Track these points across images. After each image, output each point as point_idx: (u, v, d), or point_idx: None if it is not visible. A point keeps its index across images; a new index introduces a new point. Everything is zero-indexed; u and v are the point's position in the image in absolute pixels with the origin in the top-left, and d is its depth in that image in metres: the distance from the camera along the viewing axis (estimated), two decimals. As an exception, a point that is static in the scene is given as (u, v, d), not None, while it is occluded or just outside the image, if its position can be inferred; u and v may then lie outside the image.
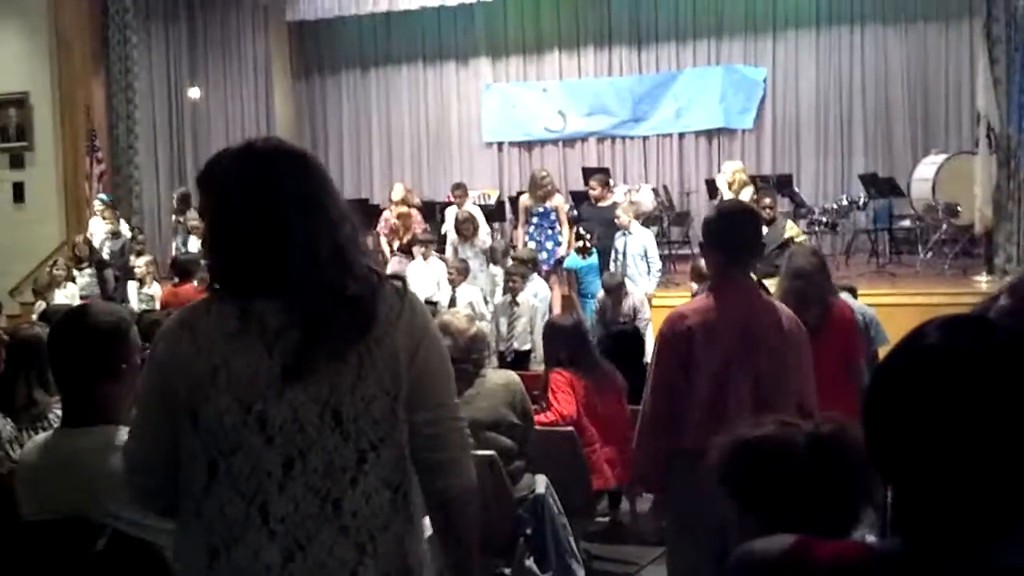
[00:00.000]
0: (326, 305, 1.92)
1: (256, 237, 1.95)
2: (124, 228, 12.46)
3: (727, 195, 10.13)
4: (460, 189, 11.75)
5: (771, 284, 8.88)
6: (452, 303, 9.17)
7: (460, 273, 9.57)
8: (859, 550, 1.26)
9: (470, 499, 2.12)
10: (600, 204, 10.56)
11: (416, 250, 10.63)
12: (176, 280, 9.96)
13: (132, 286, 10.84)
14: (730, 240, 3.72)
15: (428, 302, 8.14)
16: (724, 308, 3.69)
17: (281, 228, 1.94)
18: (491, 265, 10.38)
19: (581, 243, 9.94)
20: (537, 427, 4.83)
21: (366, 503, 1.92)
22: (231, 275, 2.00)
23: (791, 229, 9.46)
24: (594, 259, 9.95)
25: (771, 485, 1.91)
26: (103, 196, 12.70)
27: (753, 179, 11.59)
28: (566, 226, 10.58)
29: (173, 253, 12.10)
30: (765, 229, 8.96)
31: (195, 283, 9.35)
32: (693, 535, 3.68)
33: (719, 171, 11.37)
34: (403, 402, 1.97)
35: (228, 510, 1.92)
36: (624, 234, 9.95)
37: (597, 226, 10.14)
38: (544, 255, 10.37)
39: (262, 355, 1.92)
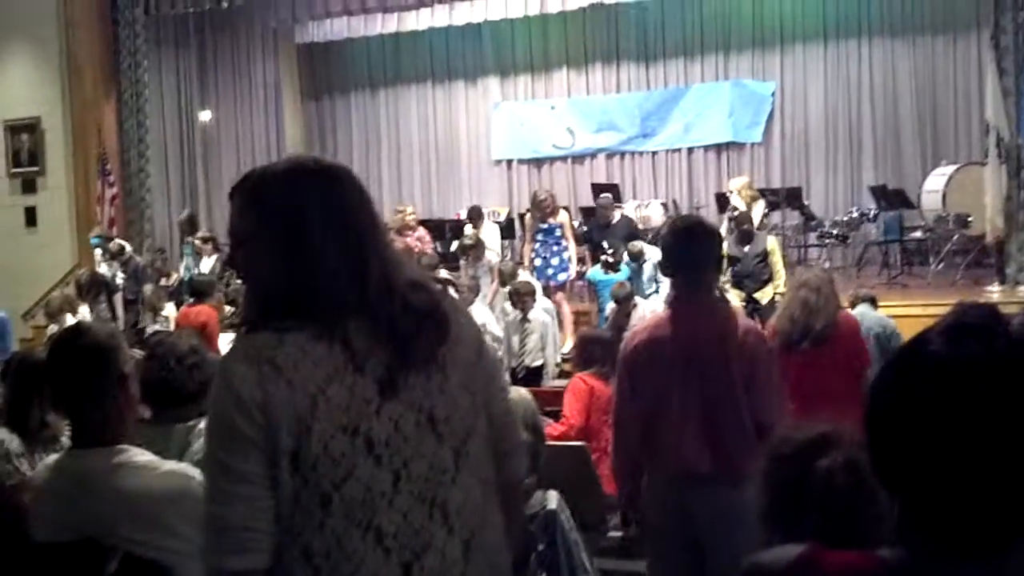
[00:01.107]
0: (408, 318, 1.93)
1: (343, 261, 1.90)
2: (130, 251, 12.49)
3: (735, 212, 10.16)
4: (475, 211, 11.83)
5: (760, 296, 9.03)
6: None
7: (471, 291, 9.54)
8: (870, 560, 1.25)
9: (524, 483, 2.25)
10: (612, 223, 10.67)
11: None
12: (191, 300, 9.96)
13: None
14: (680, 256, 3.74)
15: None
16: (670, 322, 3.77)
17: (361, 249, 1.92)
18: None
19: (606, 258, 9.95)
20: (548, 442, 4.82)
21: (465, 500, 1.96)
22: (306, 301, 1.89)
23: (771, 243, 9.51)
24: (620, 274, 9.95)
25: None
26: (95, 240, 12.58)
27: (763, 192, 11.61)
28: (572, 242, 10.61)
29: (181, 274, 12.14)
30: (746, 247, 9.16)
31: (212, 303, 9.38)
32: (666, 550, 3.81)
33: (728, 188, 11.37)
34: (480, 396, 2.03)
35: (344, 542, 1.84)
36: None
37: (620, 242, 10.23)
38: (550, 271, 10.41)
39: (355, 377, 1.88)
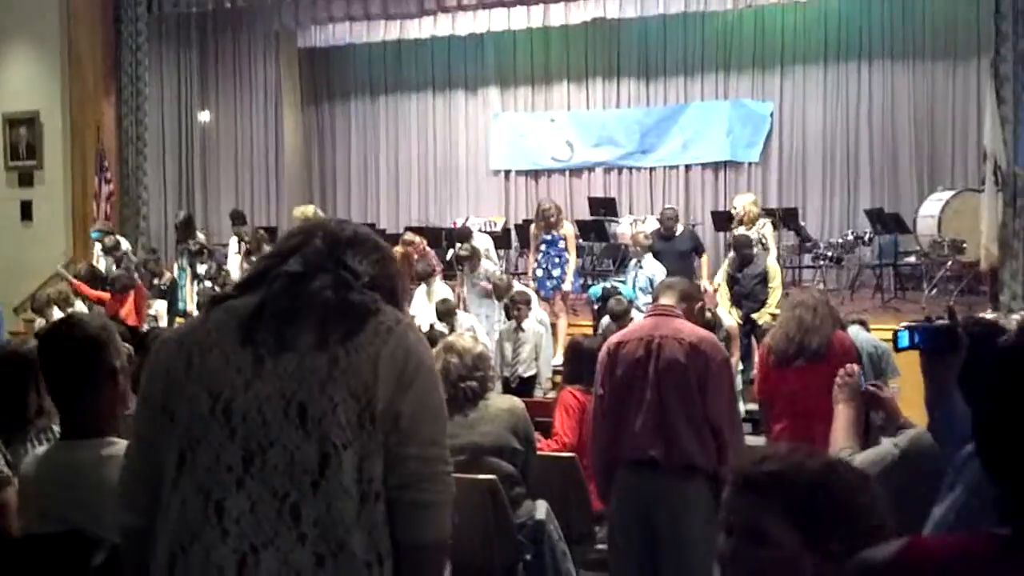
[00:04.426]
0: (312, 305, 1.94)
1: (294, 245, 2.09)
2: (123, 246, 12.49)
3: (740, 229, 10.14)
4: (464, 233, 11.55)
5: (756, 317, 9.02)
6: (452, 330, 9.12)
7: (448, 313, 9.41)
8: (984, 536, 1.26)
9: (442, 551, 2.00)
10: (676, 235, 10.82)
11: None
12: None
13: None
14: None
15: (432, 333, 8.05)
16: (639, 327, 4.37)
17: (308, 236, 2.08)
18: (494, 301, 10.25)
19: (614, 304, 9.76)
20: (539, 453, 4.81)
21: (326, 512, 1.84)
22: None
23: (771, 265, 9.52)
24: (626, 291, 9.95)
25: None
26: (95, 234, 12.69)
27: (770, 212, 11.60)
28: (573, 253, 10.63)
29: (175, 274, 12.10)
30: (745, 269, 9.17)
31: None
32: (625, 539, 4.19)
33: (732, 205, 11.33)
34: (380, 421, 1.89)
35: (188, 507, 1.88)
36: (636, 265, 10.16)
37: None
38: (552, 282, 10.42)
39: (237, 348, 1.93)
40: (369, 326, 1.93)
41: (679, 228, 11.33)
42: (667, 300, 4.33)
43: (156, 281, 11.96)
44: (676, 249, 10.79)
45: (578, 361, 5.78)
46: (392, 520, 1.91)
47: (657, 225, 11.67)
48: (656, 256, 10.36)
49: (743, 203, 10.42)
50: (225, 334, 1.94)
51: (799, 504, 1.66)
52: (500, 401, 4.57)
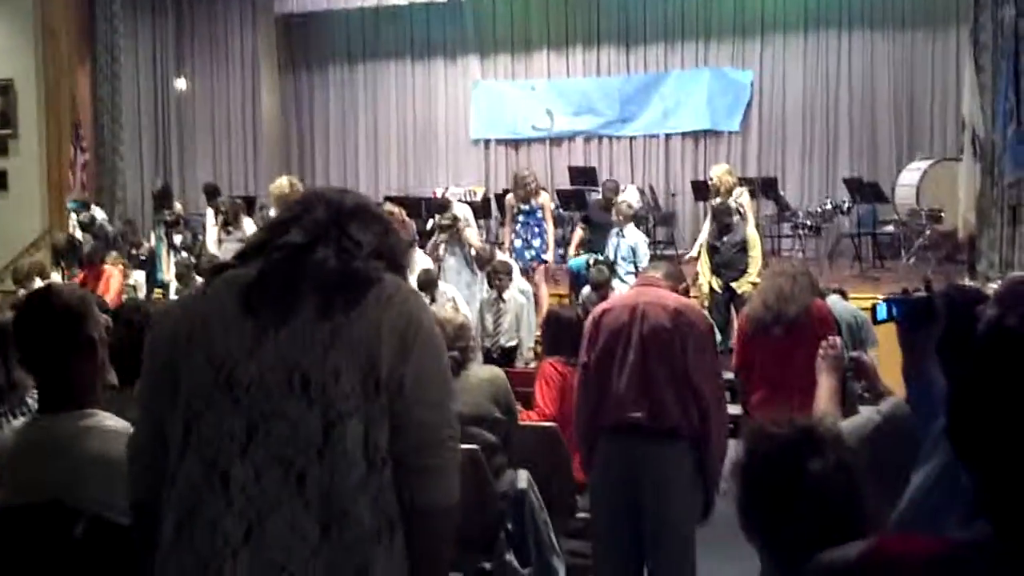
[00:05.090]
0: (315, 276, 1.94)
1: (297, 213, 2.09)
2: (100, 216, 12.40)
3: (717, 199, 10.13)
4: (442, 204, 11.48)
5: (736, 286, 9.06)
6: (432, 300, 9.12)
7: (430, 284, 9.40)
8: (947, 542, 1.24)
9: (450, 515, 2.00)
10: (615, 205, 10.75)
11: None
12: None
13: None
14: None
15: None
16: (624, 295, 4.48)
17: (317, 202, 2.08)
18: (475, 270, 10.23)
19: (600, 269, 9.74)
20: (521, 423, 4.82)
21: (332, 482, 1.85)
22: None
23: (751, 234, 9.53)
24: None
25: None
26: (71, 204, 12.62)
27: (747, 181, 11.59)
28: (551, 223, 10.61)
29: (152, 244, 12.03)
30: (725, 238, 9.19)
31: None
32: (607, 505, 4.23)
33: (709, 176, 11.29)
34: (385, 387, 1.90)
35: (193, 476, 1.89)
36: (618, 234, 10.09)
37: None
38: (531, 252, 10.40)
39: (240, 317, 1.93)
40: (371, 294, 1.93)
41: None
42: (654, 274, 4.44)
43: (134, 251, 11.89)
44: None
45: (557, 331, 5.78)
46: (400, 486, 1.92)
47: (637, 195, 11.68)
48: (595, 230, 10.38)
49: (718, 173, 10.39)
50: (226, 304, 1.95)
51: None
52: (481, 371, 4.60)
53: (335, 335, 1.89)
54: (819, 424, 2.08)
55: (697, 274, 9.53)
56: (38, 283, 9.93)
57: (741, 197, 10.25)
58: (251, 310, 1.93)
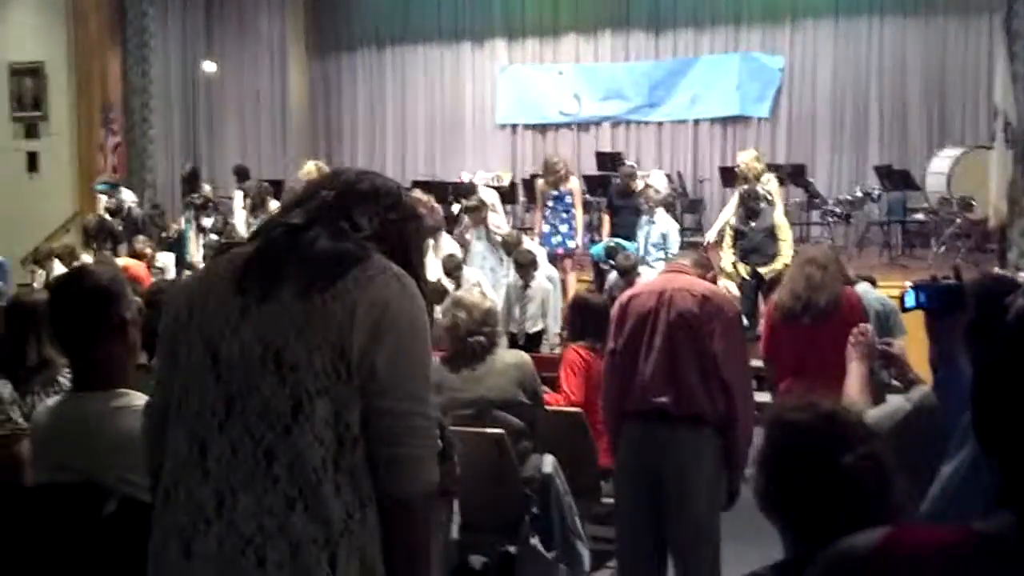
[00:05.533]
0: (298, 256, 1.96)
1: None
2: (129, 198, 12.47)
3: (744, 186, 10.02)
4: (468, 189, 11.49)
5: (764, 272, 8.98)
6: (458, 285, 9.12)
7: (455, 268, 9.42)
8: (965, 532, 1.21)
9: (426, 505, 1.99)
10: (635, 192, 10.63)
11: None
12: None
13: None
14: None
15: (437, 285, 8.02)
16: (651, 282, 4.47)
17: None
18: (501, 256, 10.22)
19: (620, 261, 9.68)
20: (546, 407, 4.83)
21: (298, 456, 1.86)
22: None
23: (779, 219, 9.44)
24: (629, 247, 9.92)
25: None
26: (99, 186, 12.70)
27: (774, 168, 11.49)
28: (580, 210, 10.60)
29: (182, 227, 12.10)
30: (752, 223, 9.11)
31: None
32: (630, 490, 4.22)
33: (737, 162, 11.19)
34: (356, 370, 1.89)
35: (178, 446, 1.95)
36: (648, 221, 10.06)
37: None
38: (558, 239, 10.39)
39: (231, 295, 1.97)
40: (351, 275, 1.93)
41: (639, 185, 10.98)
42: (682, 261, 4.46)
43: (163, 234, 11.97)
44: (635, 206, 10.58)
45: (583, 317, 5.77)
46: (374, 473, 1.92)
47: (664, 180, 11.61)
48: (617, 214, 10.30)
49: (745, 159, 10.29)
50: (222, 282, 1.99)
51: None
52: (508, 356, 4.61)
53: (309, 315, 1.91)
54: (842, 409, 2.06)
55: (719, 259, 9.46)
56: (58, 265, 10.03)
57: (769, 184, 10.18)
58: (241, 289, 1.97)
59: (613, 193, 11.17)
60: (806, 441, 2.00)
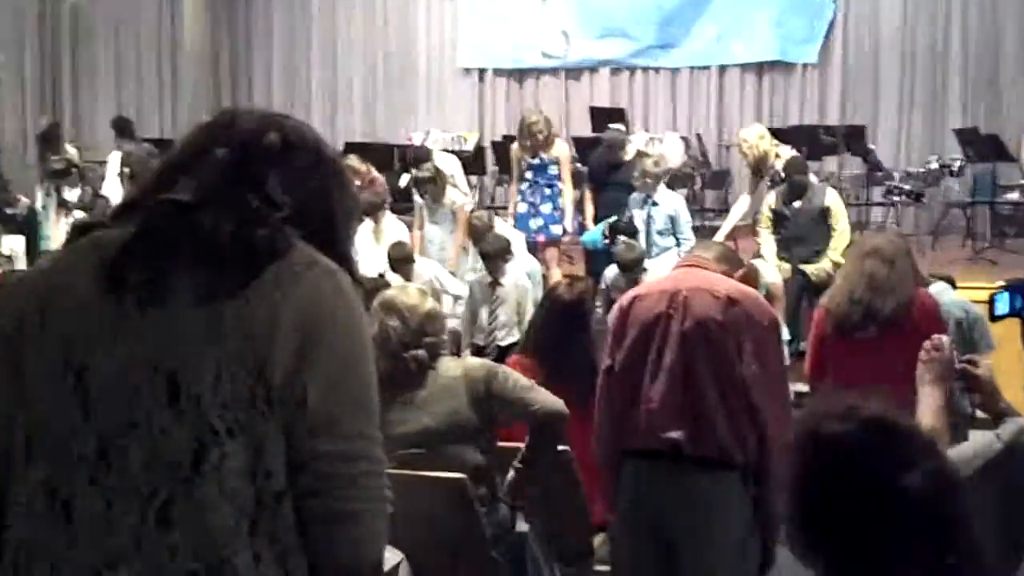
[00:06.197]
0: (189, 233, 1.89)
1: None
2: None
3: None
4: (422, 153, 11.47)
5: (811, 270, 8.98)
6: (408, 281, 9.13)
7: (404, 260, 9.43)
8: None
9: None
10: (624, 163, 10.41)
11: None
12: None
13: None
14: None
15: (379, 282, 8.02)
16: (661, 279, 4.46)
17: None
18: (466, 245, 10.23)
19: (616, 222, 9.68)
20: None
21: (204, 516, 1.82)
22: None
23: (831, 197, 9.40)
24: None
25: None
26: None
27: (814, 131, 11.48)
28: (568, 184, 10.50)
29: (39, 203, 12.02)
30: (797, 203, 9.10)
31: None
32: (632, 547, 4.24)
33: (741, 139, 10.91)
34: (279, 400, 1.85)
35: (34, 505, 1.87)
36: (647, 201, 9.87)
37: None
38: (539, 221, 10.35)
39: (96, 293, 1.90)
40: (269, 272, 1.87)
41: (630, 154, 10.72)
42: (702, 253, 4.41)
43: (9, 210, 11.88)
44: (624, 181, 10.26)
45: (552, 321, 5.81)
46: (305, 537, 1.88)
47: (680, 146, 11.60)
48: (601, 192, 10.29)
49: (749, 137, 10.15)
50: (84, 276, 1.91)
51: None
52: (449, 368, 4.51)
53: (214, 326, 1.85)
54: (893, 414, 2.05)
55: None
56: None
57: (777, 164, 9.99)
58: (113, 287, 1.89)
59: (595, 164, 11.00)
60: (853, 460, 1.98)
